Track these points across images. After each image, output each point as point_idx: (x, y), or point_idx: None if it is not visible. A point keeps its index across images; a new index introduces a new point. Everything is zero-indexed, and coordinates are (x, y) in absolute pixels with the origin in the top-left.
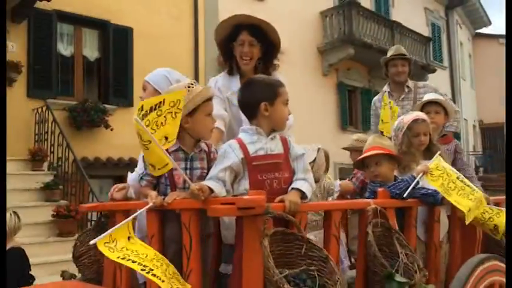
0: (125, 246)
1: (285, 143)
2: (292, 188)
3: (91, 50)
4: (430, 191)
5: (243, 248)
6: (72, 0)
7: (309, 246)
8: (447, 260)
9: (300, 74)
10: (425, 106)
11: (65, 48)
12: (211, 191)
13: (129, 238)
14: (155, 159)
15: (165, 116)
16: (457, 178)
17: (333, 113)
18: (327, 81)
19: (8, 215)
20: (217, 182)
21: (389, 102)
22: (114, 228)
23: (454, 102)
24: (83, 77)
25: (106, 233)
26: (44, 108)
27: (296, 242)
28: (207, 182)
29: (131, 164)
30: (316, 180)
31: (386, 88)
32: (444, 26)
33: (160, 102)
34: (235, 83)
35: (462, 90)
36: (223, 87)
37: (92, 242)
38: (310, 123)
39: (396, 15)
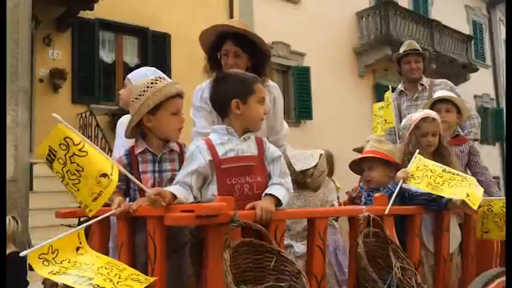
0: (67, 259)
1: (260, 144)
2: (266, 194)
3: (131, 57)
4: (433, 196)
5: (207, 261)
6: (113, 8)
7: (280, 260)
8: (459, 273)
9: (335, 76)
10: (435, 104)
11: (106, 55)
12: (175, 197)
13: (77, 249)
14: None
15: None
16: (444, 171)
17: (369, 114)
18: (363, 82)
19: (7, 219)
20: (183, 187)
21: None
22: (56, 237)
23: (497, 101)
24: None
25: (45, 242)
26: (88, 113)
27: (266, 255)
28: (171, 187)
29: None
30: (317, 188)
31: (400, 87)
32: (486, 23)
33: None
34: None
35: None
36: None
37: (22, 254)
38: (346, 125)
39: (435, 13)
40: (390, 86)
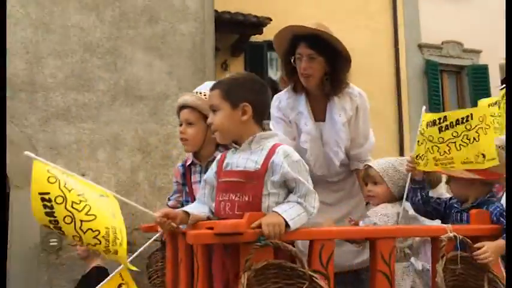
0: None
1: (268, 158)
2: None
3: None
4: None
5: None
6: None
7: (313, 286)
8: None
9: None
10: None
11: (274, 73)
12: (188, 214)
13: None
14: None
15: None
16: (441, 129)
17: None
18: None
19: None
20: (200, 202)
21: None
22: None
23: None
24: None
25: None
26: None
27: (297, 280)
28: (188, 206)
29: None
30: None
31: None
32: None
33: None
34: (302, 102)
35: None
36: (288, 108)
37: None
38: None
39: None
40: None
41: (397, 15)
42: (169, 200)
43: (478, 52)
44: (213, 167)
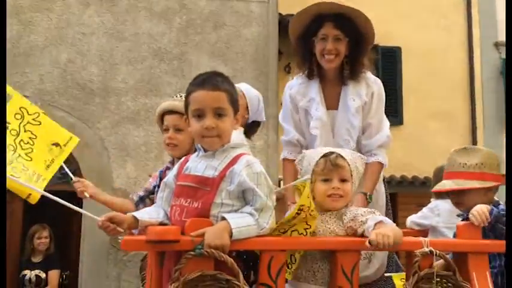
0: None
1: (229, 165)
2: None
3: None
4: None
5: None
6: None
7: None
8: None
9: None
10: None
11: None
12: (136, 219)
13: None
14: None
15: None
16: None
17: None
18: None
19: None
20: (156, 206)
21: None
22: None
23: None
24: None
25: None
26: None
27: None
28: (142, 210)
29: (403, 182)
30: None
31: None
32: None
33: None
34: (314, 89)
35: None
36: (298, 95)
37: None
38: None
39: None
40: None
41: (472, 11)
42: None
43: None
44: (174, 169)
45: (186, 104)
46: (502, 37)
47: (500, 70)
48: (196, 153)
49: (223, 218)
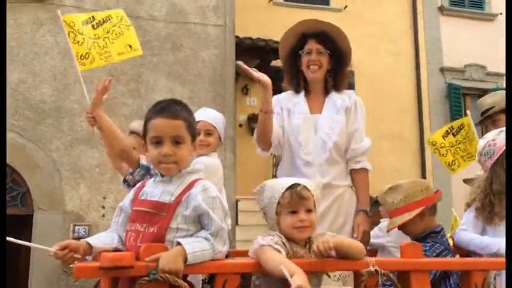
0: None
1: (185, 190)
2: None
3: None
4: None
5: None
6: None
7: None
8: None
9: None
10: None
11: None
12: (90, 246)
13: None
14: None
15: (119, 27)
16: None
17: None
18: None
19: None
20: (111, 231)
21: None
22: None
23: None
24: None
25: None
26: None
27: None
28: (97, 235)
29: None
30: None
31: None
32: None
33: (108, 16)
34: (300, 97)
35: None
36: (285, 99)
37: None
38: None
39: None
40: (468, 111)
41: (418, 38)
42: None
43: (502, 76)
44: (130, 194)
45: (145, 131)
46: (446, 63)
47: (445, 94)
48: (153, 178)
49: (178, 243)
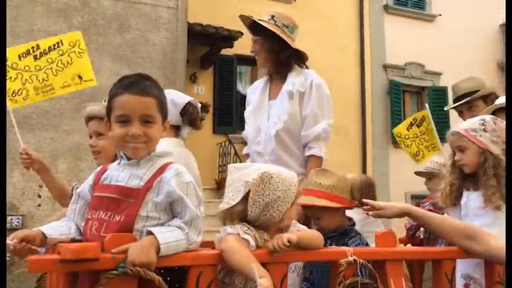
0: None
1: (156, 174)
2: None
3: None
4: None
5: None
6: (249, 44)
7: None
8: None
9: None
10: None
11: (243, 87)
12: (44, 236)
13: None
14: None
15: (69, 55)
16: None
17: None
18: None
19: None
20: (68, 221)
21: None
22: None
23: None
24: None
25: None
26: (227, 143)
27: None
28: (51, 224)
29: None
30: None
31: None
32: None
33: (58, 43)
34: (263, 85)
35: None
36: (250, 91)
37: None
38: None
39: None
40: (427, 104)
41: (364, 35)
42: None
43: (438, 74)
44: (90, 179)
45: (109, 108)
46: (389, 60)
47: (387, 90)
48: (117, 161)
49: (150, 233)
